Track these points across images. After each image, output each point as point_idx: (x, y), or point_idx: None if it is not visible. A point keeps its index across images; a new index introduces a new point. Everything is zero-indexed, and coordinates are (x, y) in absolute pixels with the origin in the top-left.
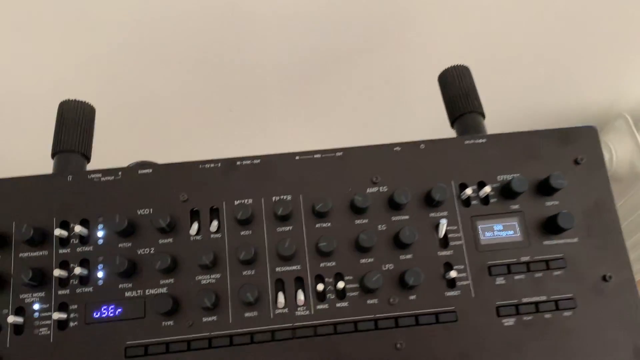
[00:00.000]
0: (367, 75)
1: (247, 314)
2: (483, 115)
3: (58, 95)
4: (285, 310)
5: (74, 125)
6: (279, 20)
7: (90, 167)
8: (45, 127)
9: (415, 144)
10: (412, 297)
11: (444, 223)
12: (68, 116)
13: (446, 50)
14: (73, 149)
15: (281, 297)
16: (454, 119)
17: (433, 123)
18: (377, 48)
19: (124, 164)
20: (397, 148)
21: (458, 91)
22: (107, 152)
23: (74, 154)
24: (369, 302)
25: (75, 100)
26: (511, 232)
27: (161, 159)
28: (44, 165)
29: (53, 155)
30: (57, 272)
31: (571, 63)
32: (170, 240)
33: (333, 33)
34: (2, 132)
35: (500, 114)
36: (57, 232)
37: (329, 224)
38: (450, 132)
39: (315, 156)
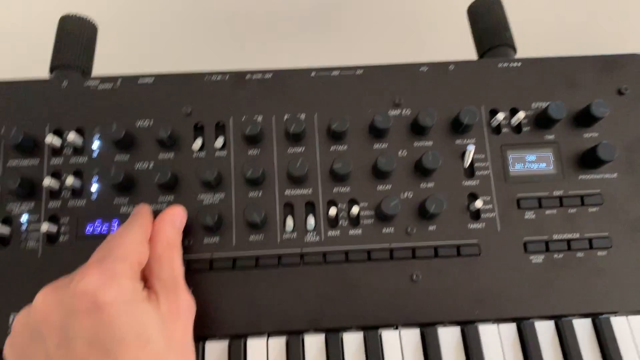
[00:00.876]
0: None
1: (252, 237)
2: (514, 49)
3: (59, 9)
4: (294, 235)
5: (74, 40)
6: None
7: None
8: (44, 42)
9: (444, 64)
10: (432, 228)
11: (471, 150)
12: (68, 31)
13: None
14: (72, 65)
15: (290, 221)
16: (482, 52)
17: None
18: None
19: None
20: (424, 68)
21: (488, 23)
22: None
23: (73, 70)
24: (384, 230)
25: (76, 15)
26: (544, 165)
27: None
28: None
29: (51, 70)
30: (47, 181)
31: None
32: (172, 155)
33: None
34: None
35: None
36: (49, 138)
37: (345, 147)
38: None
39: (333, 73)
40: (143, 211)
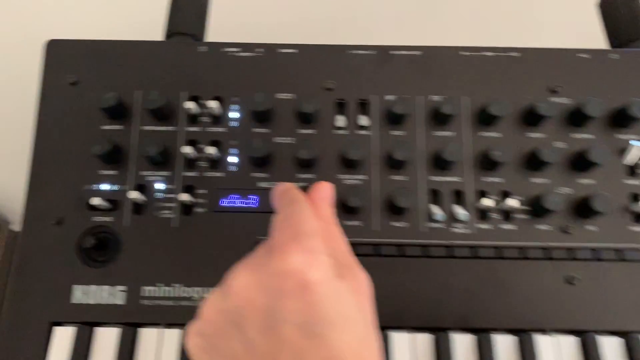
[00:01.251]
0: None
1: (394, 223)
2: None
3: None
4: (441, 225)
5: (189, 5)
6: None
7: None
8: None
9: (605, 52)
10: (592, 228)
11: (636, 145)
12: None
13: None
14: (187, 32)
15: (437, 210)
16: (616, 47)
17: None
18: None
19: None
20: (584, 55)
21: (625, 15)
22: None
23: (188, 37)
24: (539, 227)
25: None
26: None
27: None
28: None
29: (168, 37)
30: (187, 149)
31: None
32: (313, 131)
33: None
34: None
35: None
36: (188, 105)
37: (497, 134)
38: None
39: (486, 54)
40: (295, 191)
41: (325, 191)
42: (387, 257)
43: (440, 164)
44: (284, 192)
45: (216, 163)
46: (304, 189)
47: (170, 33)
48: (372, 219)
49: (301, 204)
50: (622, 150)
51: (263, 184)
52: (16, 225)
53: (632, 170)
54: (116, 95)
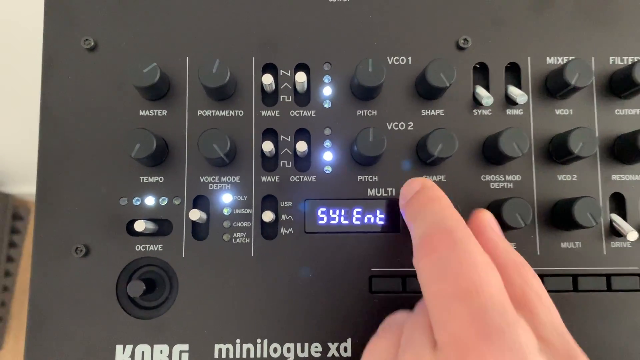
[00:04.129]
0: None
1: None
2: None
3: None
4: None
5: None
6: None
7: None
8: None
9: None
10: None
11: None
12: None
13: None
14: None
15: None
16: None
17: None
18: None
19: None
20: None
21: None
22: None
23: None
24: None
25: None
26: None
27: None
28: None
29: None
30: (267, 146)
31: None
32: (440, 111)
33: None
34: None
35: None
36: (263, 78)
37: None
38: None
39: None
40: (438, 193)
41: (489, 220)
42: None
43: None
44: (422, 197)
45: (305, 162)
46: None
47: None
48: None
49: (466, 244)
50: None
51: (372, 190)
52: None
53: None
54: (157, 66)
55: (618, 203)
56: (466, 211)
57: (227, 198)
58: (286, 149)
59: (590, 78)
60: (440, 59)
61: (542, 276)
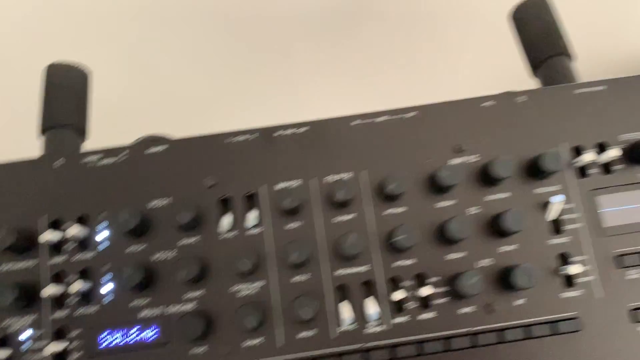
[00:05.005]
0: (405, 27)
1: (301, 334)
2: (572, 57)
3: (44, 57)
4: (352, 326)
5: (65, 94)
6: None
7: (87, 146)
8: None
9: (510, 95)
10: (519, 302)
11: (557, 202)
12: (57, 83)
13: None
14: (65, 123)
15: (345, 309)
16: (536, 65)
17: (484, 81)
18: None
19: (129, 141)
20: (487, 103)
21: (539, 29)
22: (107, 130)
23: (67, 129)
24: (462, 311)
25: (65, 63)
26: None
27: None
28: (30, 146)
29: (43, 132)
30: (48, 290)
31: None
32: (196, 239)
33: None
34: None
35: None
36: (47, 235)
37: (403, 209)
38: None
39: (378, 120)
40: None
41: None
42: None
43: (343, 255)
44: None
45: (88, 296)
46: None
47: (44, 128)
48: (278, 333)
49: None
50: (544, 204)
51: (146, 313)
52: None
53: (556, 228)
54: None
55: (344, 294)
56: None
57: (26, 334)
58: (72, 287)
59: (302, 197)
60: (186, 200)
61: None
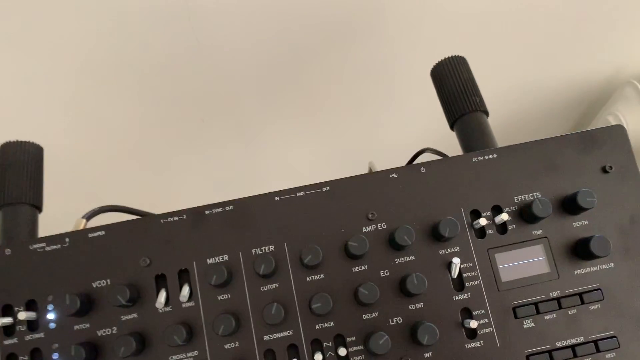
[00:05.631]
0: (350, 70)
1: None
2: (486, 113)
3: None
4: None
5: (19, 170)
6: (246, 15)
7: (42, 217)
8: None
9: (414, 167)
10: (428, 355)
11: (457, 263)
12: (11, 161)
13: (435, 29)
14: (20, 200)
15: None
16: (453, 121)
17: (429, 116)
18: (359, 39)
19: (84, 209)
20: (394, 175)
21: (455, 87)
22: (63, 198)
23: (23, 205)
24: None
25: (18, 141)
26: (536, 264)
27: (131, 190)
28: None
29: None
30: None
31: (570, 30)
32: (135, 315)
33: (309, 25)
34: None
35: (498, 92)
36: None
37: (322, 275)
38: (449, 135)
39: (298, 194)
40: None
41: None
42: None
43: (269, 322)
44: None
45: None
46: None
47: (1, 204)
48: None
49: None
50: (449, 264)
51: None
52: None
53: (460, 285)
54: None
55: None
56: None
57: None
58: None
59: (230, 270)
60: (121, 282)
61: None
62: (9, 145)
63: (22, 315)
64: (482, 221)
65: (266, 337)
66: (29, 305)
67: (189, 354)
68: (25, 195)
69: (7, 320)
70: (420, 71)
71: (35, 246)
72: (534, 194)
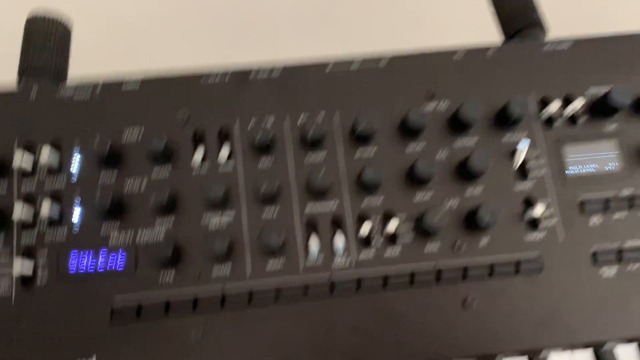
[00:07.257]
0: None
1: (269, 266)
2: (544, 30)
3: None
4: (320, 260)
5: (45, 43)
6: None
7: None
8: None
9: (480, 50)
10: (484, 242)
11: (523, 147)
12: (37, 33)
13: None
14: (43, 70)
15: (314, 244)
16: (509, 37)
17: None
18: None
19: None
20: (457, 56)
21: (513, 3)
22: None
23: (45, 75)
24: (427, 248)
25: (45, 15)
26: (607, 159)
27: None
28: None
29: (20, 76)
30: (18, 212)
31: None
32: (168, 171)
33: None
34: None
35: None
36: (18, 158)
37: (374, 149)
38: None
39: (352, 67)
40: None
41: None
42: (265, 306)
43: (314, 191)
44: None
45: (58, 221)
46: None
47: (22, 71)
48: (247, 264)
49: None
50: (512, 153)
51: (116, 239)
52: None
53: (523, 174)
54: None
55: (314, 229)
56: None
57: None
58: (42, 210)
59: (274, 134)
60: (159, 131)
61: None
62: (36, 19)
63: (45, 153)
64: (553, 107)
65: (308, 208)
66: (53, 148)
67: (224, 216)
68: (49, 67)
69: (28, 159)
70: None
71: (63, 94)
72: (610, 86)
